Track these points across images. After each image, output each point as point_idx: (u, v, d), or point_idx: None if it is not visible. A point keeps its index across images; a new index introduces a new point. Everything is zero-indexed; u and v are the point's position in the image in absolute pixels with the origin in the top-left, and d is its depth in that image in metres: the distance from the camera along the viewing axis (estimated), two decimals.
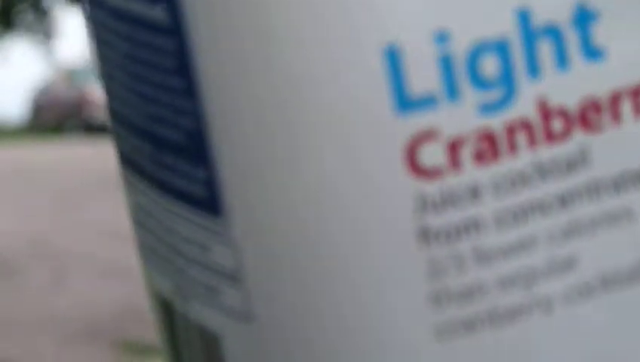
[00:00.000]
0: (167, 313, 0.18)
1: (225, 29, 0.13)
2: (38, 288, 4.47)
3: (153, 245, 0.17)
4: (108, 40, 0.16)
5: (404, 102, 0.13)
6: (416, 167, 0.13)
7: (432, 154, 0.13)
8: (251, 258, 0.14)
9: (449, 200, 0.13)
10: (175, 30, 0.14)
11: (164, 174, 0.16)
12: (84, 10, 0.17)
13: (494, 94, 0.13)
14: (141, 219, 0.18)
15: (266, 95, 0.13)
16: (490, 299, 0.14)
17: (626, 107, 0.14)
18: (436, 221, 0.13)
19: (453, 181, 0.13)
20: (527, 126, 0.14)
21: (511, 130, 0.13)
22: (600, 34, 0.14)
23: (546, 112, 0.14)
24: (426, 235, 0.13)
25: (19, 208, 6.61)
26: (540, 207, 0.14)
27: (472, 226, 0.14)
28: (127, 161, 0.18)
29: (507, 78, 0.13)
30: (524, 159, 0.14)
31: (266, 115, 0.13)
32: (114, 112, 0.18)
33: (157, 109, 0.15)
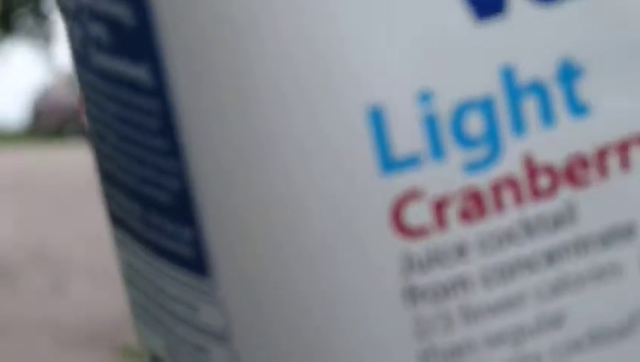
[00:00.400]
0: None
1: (208, 90, 0.13)
2: (37, 294, 4.46)
3: (144, 304, 0.17)
4: (97, 100, 0.16)
5: (389, 162, 0.13)
6: (402, 227, 0.13)
7: (418, 214, 0.13)
8: (239, 318, 0.14)
9: (435, 259, 0.13)
10: (159, 91, 0.14)
11: (153, 234, 0.16)
12: (75, 71, 0.17)
13: (479, 152, 0.13)
14: (132, 278, 0.18)
15: (249, 156, 0.13)
16: (478, 356, 0.14)
17: (613, 162, 0.14)
18: (423, 280, 0.13)
19: (439, 240, 0.13)
20: (513, 183, 0.13)
21: (497, 188, 0.13)
22: (585, 90, 0.14)
23: (532, 169, 0.13)
24: (412, 294, 0.13)
25: (19, 213, 6.61)
26: (527, 264, 0.14)
27: (459, 284, 0.13)
28: (117, 220, 0.18)
29: (492, 136, 0.13)
30: (510, 217, 0.13)
31: (250, 176, 0.13)
32: (104, 172, 0.18)
33: (144, 170, 0.15)
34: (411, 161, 0.13)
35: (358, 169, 0.13)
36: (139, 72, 0.14)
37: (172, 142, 0.14)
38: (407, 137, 0.13)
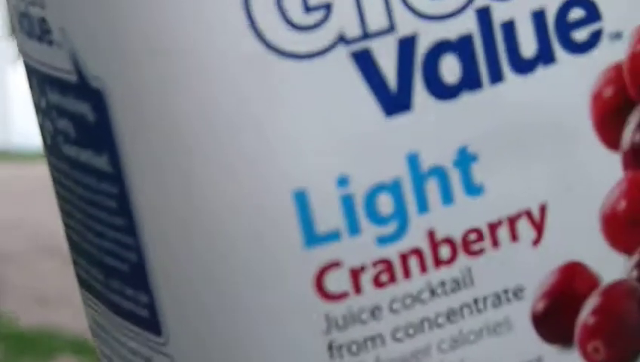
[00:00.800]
0: None
1: (157, 178, 0.15)
2: None
3: (109, 356, 0.19)
4: (65, 183, 0.19)
5: (312, 237, 0.15)
6: (324, 292, 0.15)
7: (337, 281, 0.15)
8: None
9: (352, 319, 0.16)
10: (117, 177, 0.16)
11: (115, 297, 0.18)
12: (46, 157, 0.19)
13: (389, 228, 0.16)
14: (98, 333, 0.20)
15: (191, 236, 0.15)
16: None
17: (503, 234, 0.16)
18: (342, 337, 0.15)
19: (355, 303, 0.15)
20: (418, 254, 0.16)
21: (404, 258, 0.16)
22: (478, 173, 0.16)
23: (434, 242, 0.16)
24: (335, 349, 0.16)
25: None
26: (431, 322, 0.16)
27: (373, 340, 0.16)
28: (84, 283, 0.20)
29: (400, 214, 0.16)
30: (417, 282, 0.16)
31: (194, 253, 0.15)
32: (72, 242, 0.20)
33: (106, 244, 0.17)
34: (331, 236, 0.15)
35: (285, 243, 0.15)
36: (100, 162, 0.16)
37: (129, 221, 0.16)
38: (327, 216, 0.15)
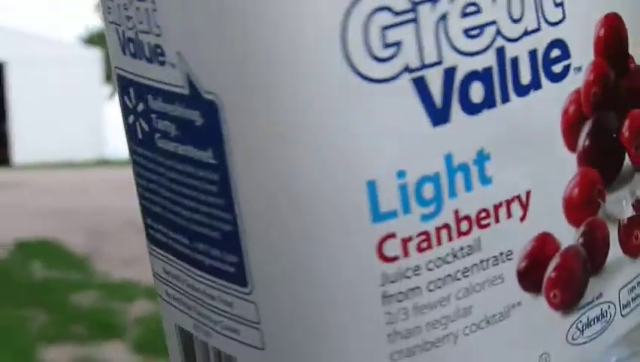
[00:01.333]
0: (187, 340, 0.24)
1: (257, 168, 0.20)
2: None
3: (178, 297, 0.23)
4: (153, 167, 0.23)
5: (377, 215, 0.20)
6: (382, 256, 0.21)
7: (392, 248, 0.20)
8: (267, 313, 0.21)
9: (400, 275, 0.21)
10: (219, 167, 0.20)
11: (197, 256, 0.22)
12: (130, 145, 0.22)
13: (430, 209, 0.21)
14: (168, 279, 0.24)
15: (285, 213, 0.20)
16: (423, 336, 0.21)
17: (502, 212, 0.22)
18: (392, 289, 0.21)
19: (403, 264, 0.21)
20: (447, 228, 0.21)
21: (438, 231, 0.21)
22: (490, 169, 0.22)
23: (458, 219, 0.21)
24: (385, 298, 0.21)
25: None
26: (452, 277, 0.21)
27: (413, 290, 0.21)
28: (158, 243, 0.24)
29: (438, 199, 0.21)
30: (445, 248, 0.21)
31: (283, 225, 0.20)
32: (150, 213, 0.24)
33: (196, 216, 0.22)
34: (391, 215, 0.20)
35: (358, 219, 0.20)
36: (203, 155, 0.20)
37: (227, 201, 0.21)
38: (389, 200, 0.20)
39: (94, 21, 20.12)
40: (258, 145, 0.20)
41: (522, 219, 0.23)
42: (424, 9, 0.20)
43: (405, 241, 0.21)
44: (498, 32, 0.21)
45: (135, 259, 4.24)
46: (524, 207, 0.23)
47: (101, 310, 3.98)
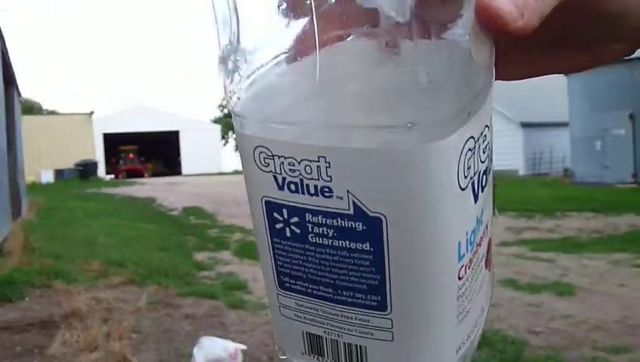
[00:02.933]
0: (314, 340, 0.29)
1: (405, 250, 0.24)
2: None
3: (309, 317, 0.28)
4: (299, 251, 0.26)
5: (459, 257, 0.26)
6: (459, 277, 0.26)
7: (462, 272, 0.26)
8: (400, 322, 0.26)
9: (463, 285, 0.27)
10: (374, 251, 0.24)
11: (341, 297, 0.26)
12: (271, 238, 0.26)
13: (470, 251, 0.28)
14: (299, 309, 0.28)
15: (420, 274, 0.24)
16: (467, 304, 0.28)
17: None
18: (460, 291, 0.26)
19: (465, 280, 0.27)
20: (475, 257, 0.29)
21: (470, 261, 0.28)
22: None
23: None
24: (458, 296, 0.27)
25: None
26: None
27: (466, 289, 0.28)
28: (295, 291, 0.27)
29: (472, 245, 0.27)
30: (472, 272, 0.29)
31: (417, 278, 0.24)
32: (289, 274, 0.27)
33: (343, 276, 0.25)
34: (462, 257, 0.26)
35: (452, 264, 0.25)
36: (360, 245, 0.24)
37: (379, 266, 0.25)
38: (463, 250, 0.26)
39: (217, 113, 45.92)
40: (407, 240, 0.24)
41: None
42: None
43: (466, 268, 0.26)
44: None
45: (234, 215, 9.75)
46: None
47: (220, 237, 8.15)
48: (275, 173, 0.24)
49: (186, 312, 4.10)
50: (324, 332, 0.28)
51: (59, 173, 24.83)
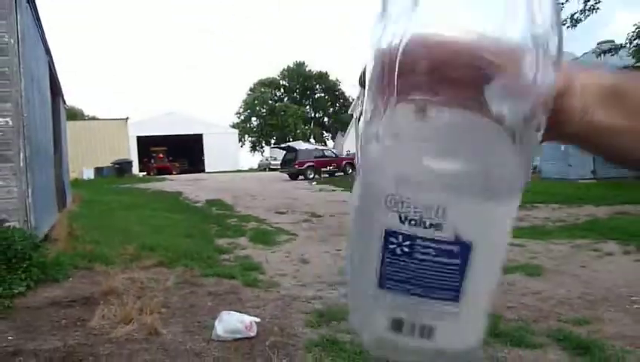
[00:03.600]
0: (397, 322, 0.32)
1: (485, 262, 0.29)
2: None
3: (397, 305, 0.30)
4: (405, 259, 0.29)
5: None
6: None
7: None
8: (464, 305, 0.30)
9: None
10: (461, 264, 0.29)
11: (426, 296, 0.30)
12: (385, 256, 0.30)
13: None
14: (393, 302, 0.30)
15: (485, 274, 0.30)
16: None
17: None
18: None
19: None
20: None
21: None
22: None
23: None
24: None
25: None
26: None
27: None
28: (393, 292, 0.30)
29: None
30: None
31: (481, 279, 0.30)
32: (393, 279, 0.30)
33: (434, 280, 0.29)
34: None
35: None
36: (453, 261, 0.28)
37: (462, 271, 0.29)
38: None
39: (234, 119, 48.51)
40: (486, 257, 0.28)
41: None
42: None
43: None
44: None
45: (249, 207, 9.87)
46: None
47: (238, 225, 8.18)
48: (400, 212, 0.28)
49: (209, 290, 4.15)
50: (406, 316, 0.31)
51: (98, 171, 24.96)
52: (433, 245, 0.29)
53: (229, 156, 35.15)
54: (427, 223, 0.28)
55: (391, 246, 0.29)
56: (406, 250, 0.29)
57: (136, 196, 13.73)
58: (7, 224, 4.36)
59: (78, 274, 4.57)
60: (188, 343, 3.01)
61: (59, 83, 9.23)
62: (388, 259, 0.30)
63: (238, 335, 3.04)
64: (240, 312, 3.32)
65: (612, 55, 11.04)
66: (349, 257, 0.33)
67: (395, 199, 0.28)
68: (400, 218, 0.28)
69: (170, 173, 30.36)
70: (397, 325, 0.31)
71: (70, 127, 14.49)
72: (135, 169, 28.22)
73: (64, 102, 11.14)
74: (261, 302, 3.80)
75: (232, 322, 3.07)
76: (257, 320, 3.23)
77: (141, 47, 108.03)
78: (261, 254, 5.80)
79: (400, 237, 0.29)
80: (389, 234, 0.29)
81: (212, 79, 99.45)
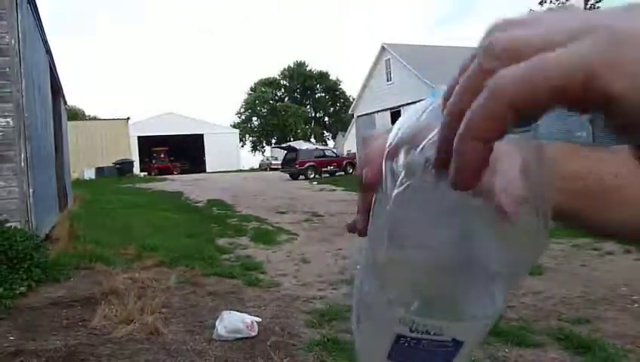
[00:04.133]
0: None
1: (470, 343, 0.31)
2: None
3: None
4: (413, 336, 0.30)
5: None
6: None
7: None
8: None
9: None
10: (454, 348, 0.29)
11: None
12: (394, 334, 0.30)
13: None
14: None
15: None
16: None
17: None
18: None
19: None
20: None
21: None
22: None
23: None
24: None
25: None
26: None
27: None
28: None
29: None
30: None
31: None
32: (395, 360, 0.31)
33: (430, 359, 0.31)
34: None
35: None
36: (448, 349, 0.30)
37: (455, 350, 0.30)
38: None
39: (235, 119, 48.20)
40: (471, 347, 0.30)
41: None
42: None
43: None
44: None
45: (250, 206, 9.93)
46: None
47: (238, 225, 8.21)
48: (410, 326, 0.30)
49: (210, 290, 4.15)
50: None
51: (99, 171, 24.99)
52: (434, 342, 0.31)
53: (230, 156, 35.21)
54: (432, 333, 0.31)
55: (400, 341, 0.32)
56: (412, 344, 0.32)
57: (137, 196, 13.73)
58: (8, 224, 4.37)
59: (79, 274, 4.57)
60: (189, 343, 3.01)
61: (60, 83, 9.25)
62: (394, 350, 0.32)
63: (239, 335, 3.04)
64: (241, 312, 3.32)
65: None
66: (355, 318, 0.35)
67: (405, 321, 0.30)
68: (410, 329, 0.31)
69: (171, 173, 30.42)
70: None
71: (71, 127, 14.52)
72: (136, 169, 28.24)
73: (65, 103, 11.17)
74: (262, 302, 3.80)
75: (233, 322, 3.07)
76: (258, 319, 3.23)
77: (141, 47, 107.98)
78: (262, 254, 5.80)
79: (409, 337, 0.31)
80: (400, 336, 0.31)
81: (212, 79, 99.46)
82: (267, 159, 38.37)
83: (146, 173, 29.72)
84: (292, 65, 52.77)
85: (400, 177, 0.27)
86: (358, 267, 0.33)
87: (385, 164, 0.28)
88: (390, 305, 0.30)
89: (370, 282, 0.31)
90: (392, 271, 0.29)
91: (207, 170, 33.79)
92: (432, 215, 0.27)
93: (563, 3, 11.01)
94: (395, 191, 0.27)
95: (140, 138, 31.29)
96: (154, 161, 32.69)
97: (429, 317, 0.29)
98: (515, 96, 0.19)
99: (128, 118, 29.17)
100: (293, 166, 20.38)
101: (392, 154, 0.27)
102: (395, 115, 21.32)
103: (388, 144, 0.28)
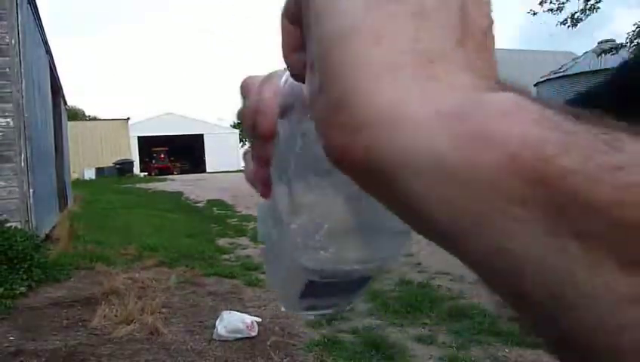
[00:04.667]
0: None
1: None
2: None
3: None
4: None
5: None
6: None
7: None
8: None
9: None
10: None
11: None
12: None
13: None
14: None
15: None
16: None
17: None
18: None
19: None
20: None
21: None
22: None
23: None
24: None
25: None
26: None
27: None
28: None
29: None
30: None
31: None
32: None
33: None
34: None
35: None
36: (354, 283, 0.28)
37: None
38: None
39: (235, 119, 42.25)
40: None
41: None
42: None
43: None
44: None
45: (250, 206, 9.63)
46: None
47: (239, 225, 8.22)
48: (320, 274, 0.28)
49: (210, 290, 4.15)
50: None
51: (99, 171, 25.03)
52: (343, 283, 0.29)
53: (230, 156, 34.80)
54: (341, 276, 0.28)
55: (312, 285, 0.29)
56: (322, 285, 0.29)
57: (137, 196, 13.72)
58: (8, 224, 4.37)
59: (79, 274, 4.56)
60: (189, 343, 3.01)
61: (60, 83, 9.25)
62: (307, 289, 0.30)
63: (240, 335, 3.04)
64: (241, 312, 3.32)
65: (613, 54, 11.04)
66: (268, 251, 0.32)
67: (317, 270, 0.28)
68: (320, 277, 0.28)
69: (172, 174, 30.39)
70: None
71: (71, 128, 14.52)
72: (136, 169, 28.24)
73: (65, 103, 11.18)
74: (262, 302, 3.80)
75: (233, 322, 3.07)
76: (258, 319, 3.23)
77: (141, 47, 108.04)
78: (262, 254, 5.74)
79: (319, 283, 0.29)
80: (311, 281, 0.29)
81: (212, 79, 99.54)
82: None
83: (146, 174, 29.74)
84: None
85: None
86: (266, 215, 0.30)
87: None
88: (300, 254, 0.27)
89: (280, 232, 0.28)
90: (303, 217, 0.26)
91: (208, 170, 33.68)
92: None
93: (563, 3, 11.03)
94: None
95: (139, 138, 31.27)
96: (154, 161, 32.64)
97: (340, 264, 0.27)
98: None
99: (128, 118, 29.23)
100: None
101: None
102: None
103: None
